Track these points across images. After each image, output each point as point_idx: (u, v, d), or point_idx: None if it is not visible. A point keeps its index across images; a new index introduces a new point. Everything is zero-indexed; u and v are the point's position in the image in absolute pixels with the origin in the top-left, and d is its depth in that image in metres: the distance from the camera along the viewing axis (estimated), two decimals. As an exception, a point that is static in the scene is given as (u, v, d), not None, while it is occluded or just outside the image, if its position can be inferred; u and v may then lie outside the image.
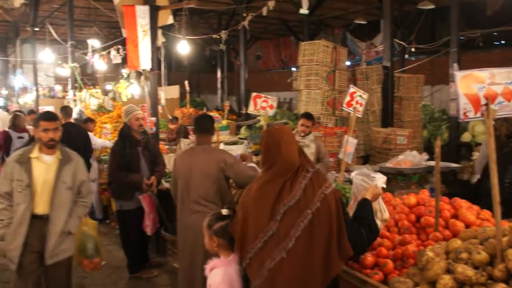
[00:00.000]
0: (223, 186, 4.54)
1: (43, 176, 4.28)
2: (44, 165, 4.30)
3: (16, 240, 4.22)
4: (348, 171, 6.39)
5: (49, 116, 4.39)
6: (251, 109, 6.70)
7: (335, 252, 2.68)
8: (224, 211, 3.35)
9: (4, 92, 24.24)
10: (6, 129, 9.00)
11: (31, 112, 12.25)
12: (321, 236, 2.68)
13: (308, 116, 6.66)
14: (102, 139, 10.01)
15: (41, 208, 4.27)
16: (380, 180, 3.49)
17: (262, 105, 6.62)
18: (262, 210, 2.80)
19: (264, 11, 8.44)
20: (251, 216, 2.86)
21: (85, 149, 7.88)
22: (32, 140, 8.75)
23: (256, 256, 2.81)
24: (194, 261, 4.39)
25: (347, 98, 5.67)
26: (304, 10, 8.26)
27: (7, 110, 13.84)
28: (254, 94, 6.66)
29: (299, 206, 2.71)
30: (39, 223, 4.27)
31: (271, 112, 6.77)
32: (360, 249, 2.89)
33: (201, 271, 3.56)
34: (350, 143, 5.33)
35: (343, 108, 5.93)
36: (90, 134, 9.07)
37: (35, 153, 4.29)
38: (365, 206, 3.06)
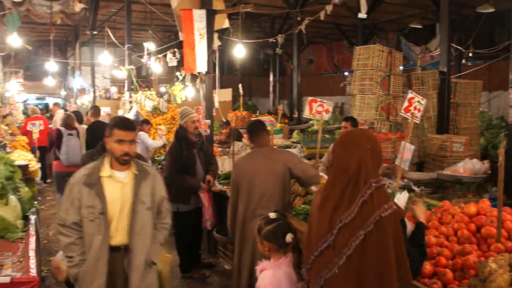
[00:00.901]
0: (287, 187, 4.57)
1: (119, 198, 3.51)
2: (118, 185, 3.52)
3: (95, 282, 3.48)
4: (403, 178, 6.30)
5: (126, 125, 3.53)
6: (306, 113, 6.69)
7: (390, 276, 2.54)
8: (272, 215, 3.37)
9: (63, 93, 25.15)
10: (58, 127, 9.71)
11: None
12: (372, 258, 2.56)
13: (348, 119, 6.67)
14: (157, 140, 10.21)
15: (119, 237, 3.54)
16: (402, 198, 3.44)
17: (318, 110, 6.60)
18: (322, 219, 2.74)
19: (322, 15, 8.40)
20: (314, 223, 2.83)
21: None
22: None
23: (314, 263, 2.79)
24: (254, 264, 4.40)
25: (405, 104, 5.58)
26: (362, 15, 8.17)
27: (66, 110, 14.30)
28: (310, 98, 6.65)
29: (354, 225, 2.58)
30: (118, 256, 3.55)
31: (326, 116, 6.73)
32: (414, 274, 2.75)
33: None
34: (407, 149, 5.24)
35: (401, 114, 5.84)
36: (144, 135, 9.29)
37: (106, 171, 3.52)
38: (421, 230, 2.93)
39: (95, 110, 10.34)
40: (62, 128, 9.49)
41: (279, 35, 10.18)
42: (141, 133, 9.41)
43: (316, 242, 2.76)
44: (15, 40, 12.85)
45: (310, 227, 2.89)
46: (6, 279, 3.66)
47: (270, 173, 4.46)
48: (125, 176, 3.55)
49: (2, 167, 5.63)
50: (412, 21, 15.96)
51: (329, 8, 8.19)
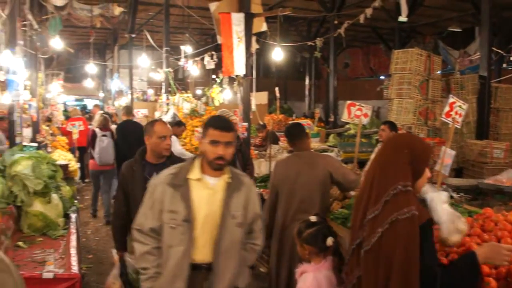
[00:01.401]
0: (327, 191, 4.54)
1: (206, 206, 2.97)
2: (207, 192, 2.99)
3: None
4: (442, 183, 6.17)
5: (222, 124, 3.00)
6: (345, 117, 6.64)
7: (396, 283, 2.46)
8: (313, 218, 3.35)
9: (101, 95, 25.64)
10: (94, 128, 10.08)
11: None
12: (383, 258, 2.53)
13: (387, 123, 6.74)
14: (194, 142, 10.27)
15: (201, 254, 2.98)
16: (438, 197, 3.22)
17: (356, 114, 6.54)
18: (356, 217, 2.76)
19: (361, 19, 8.34)
20: (353, 219, 2.83)
21: (139, 145, 8.19)
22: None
23: (349, 261, 2.79)
24: (293, 267, 4.38)
25: (446, 108, 5.48)
26: (403, 18, 8.05)
27: (105, 112, 14.58)
28: (348, 102, 6.59)
29: (375, 222, 2.58)
30: (198, 275, 2.99)
31: (365, 120, 6.66)
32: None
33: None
34: (448, 155, 5.14)
35: (442, 119, 5.74)
36: (173, 138, 9.30)
37: (195, 173, 3.01)
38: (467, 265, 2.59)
39: (127, 109, 10.65)
40: (97, 129, 9.83)
41: (318, 38, 10.13)
42: (173, 138, 9.44)
43: (351, 241, 2.76)
44: (57, 43, 13.14)
45: (351, 226, 2.91)
46: (49, 275, 3.74)
47: (311, 178, 4.42)
48: (216, 183, 3.02)
49: (45, 166, 5.74)
50: (450, 25, 15.68)
51: (369, 11, 8.12)
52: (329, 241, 3.25)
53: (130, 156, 8.76)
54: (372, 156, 6.89)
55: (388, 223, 2.51)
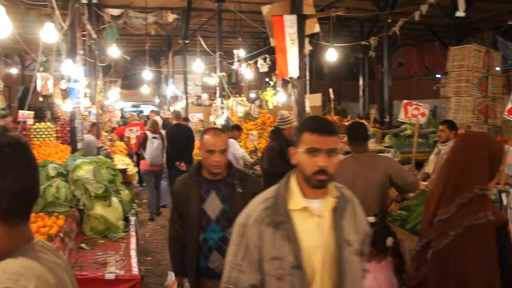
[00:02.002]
0: (386, 194, 4.46)
1: (316, 240, 2.21)
2: (315, 221, 2.23)
3: None
4: (506, 183, 5.94)
5: (323, 126, 2.25)
6: (401, 117, 6.49)
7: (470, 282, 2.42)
8: (371, 219, 3.29)
9: (157, 100, 26.19)
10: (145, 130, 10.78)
11: (185, 119, 13.26)
12: (453, 264, 2.47)
13: (445, 122, 6.64)
14: (248, 145, 10.31)
15: None
16: None
17: (413, 113, 6.38)
18: (426, 216, 2.71)
19: (417, 16, 8.16)
20: (423, 217, 2.77)
21: (187, 148, 9.75)
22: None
23: (415, 258, 2.75)
24: None
25: (509, 105, 5.26)
26: (460, 13, 7.83)
27: (161, 117, 14.91)
28: (405, 101, 6.45)
29: (447, 223, 2.52)
30: None
31: (422, 120, 6.49)
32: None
33: None
34: (511, 154, 4.94)
35: (504, 116, 5.52)
36: (234, 141, 9.40)
37: (297, 200, 2.24)
38: None
39: (175, 114, 11.30)
40: (148, 132, 10.38)
41: (372, 37, 9.98)
42: (231, 140, 9.53)
43: (419, 239, 2.71)
44: (114, 51, 13.54)
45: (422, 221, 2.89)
46: (111, 276, 3.83)
47: (370, 181, 4.33)
48: (322, 206, 2.25)
49: (105, 171, 5.91)
50: (510, 18, 15.08)
51: (424, 8, 7.93)
52: (389, 241, 3.19)
53: (178, 157, 9.57)
54: (432, 157, 6.73)
55: (462, 228, 2.45)
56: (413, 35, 20.29)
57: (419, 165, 7.07)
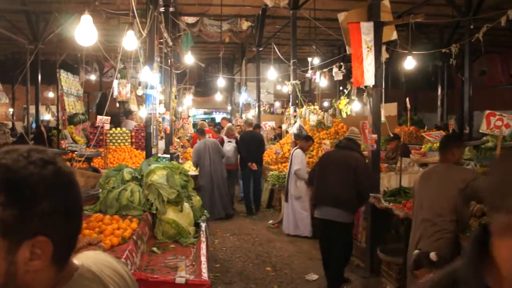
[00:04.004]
0: (459, 206, 4.36)
1: None
2: None
3: None
4: None
5: None
6: (483, 128, 6.24)
7: None
8: (432, 256, 3.15)
9: (229, 107, 26.59)
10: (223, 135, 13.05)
11: (257, 126, 13.50)
12: None
13: None
14: (321, 154, 10.26)
15: None
16: None
17: (496, 124, 6.11)
18: None
19: (503, 21, 7.83)
20: None
21: (257, 152, 11.99)
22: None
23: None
24: None
25: None
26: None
27: (233, 124, 15.18)
28: (487, 111, 6.20)
29: None
30: None
31: (506, 131, 6.21)
32: None
33: None
34: None
35: None
36: (298, 153, 9.44)
37: None
38: None
39: (247, 121, 14.01)
40: (224, 137, 12.72)
41: (453, 44, 9.65)
42: (296, 152, 9.60)
43: None
44: (189, 59, 13.91)
45: None
46: (182, 280, 3.91)
47: (440, 190, 4.29)
48: None
49: (178, 176, 6.06)
50: None
51: (511, 13, 7.59)
52: None
53: (249, 159, 11.62)
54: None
55: None
56: (496, 41, 19.48)
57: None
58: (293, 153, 9.64)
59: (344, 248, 6.48)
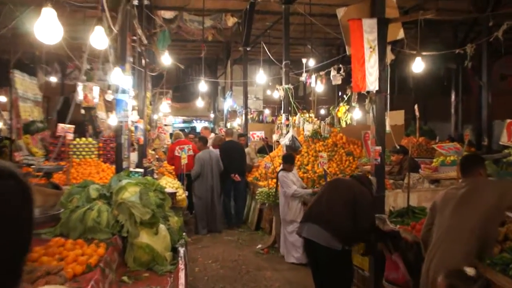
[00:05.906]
0: (483, 225, 4.45)
1: None
2: None
3: None
4: None
5: None
6: (503, 140, 6.30)
7: None
8: (470, 271, 3.17)
9: (212, 115, 26.50)
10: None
11: (241, 135, 13.58)
12: None
13: None
14: (317, 169, 10.25)
15: None
16: None
17: (518, 135, 6.18)
18: None
19: (527, 18, 7.94)
20: None
21: (240, 162, 13.11)
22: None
23: None
24: None
25: None
26: None
27: (216, 134, 15.18)
28: (508, 121, 6.25)
29: None
30: None
31: (530, 144, 6.29)
32: None
33: None
34: None
35: None
36: (284, 175, 9.56)
37: None
38: None
39: (228, 131, 15.00)
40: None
41: (469, 44, 9.72)
42: (280, 175, 9.85)
43: None
44: (166, 59, 13.83)
45: None
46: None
47: (469, 206, 4.50)
48: None
49: (153, 194, 6.00)
50: None
51: (535, 9, 7.69)
52: None
53: (230, 169, 12.64)
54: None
55: None
56: (518, 42, 19.72)
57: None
58: (278, 176, 9.75)
59: (337, 278, 6.29)
